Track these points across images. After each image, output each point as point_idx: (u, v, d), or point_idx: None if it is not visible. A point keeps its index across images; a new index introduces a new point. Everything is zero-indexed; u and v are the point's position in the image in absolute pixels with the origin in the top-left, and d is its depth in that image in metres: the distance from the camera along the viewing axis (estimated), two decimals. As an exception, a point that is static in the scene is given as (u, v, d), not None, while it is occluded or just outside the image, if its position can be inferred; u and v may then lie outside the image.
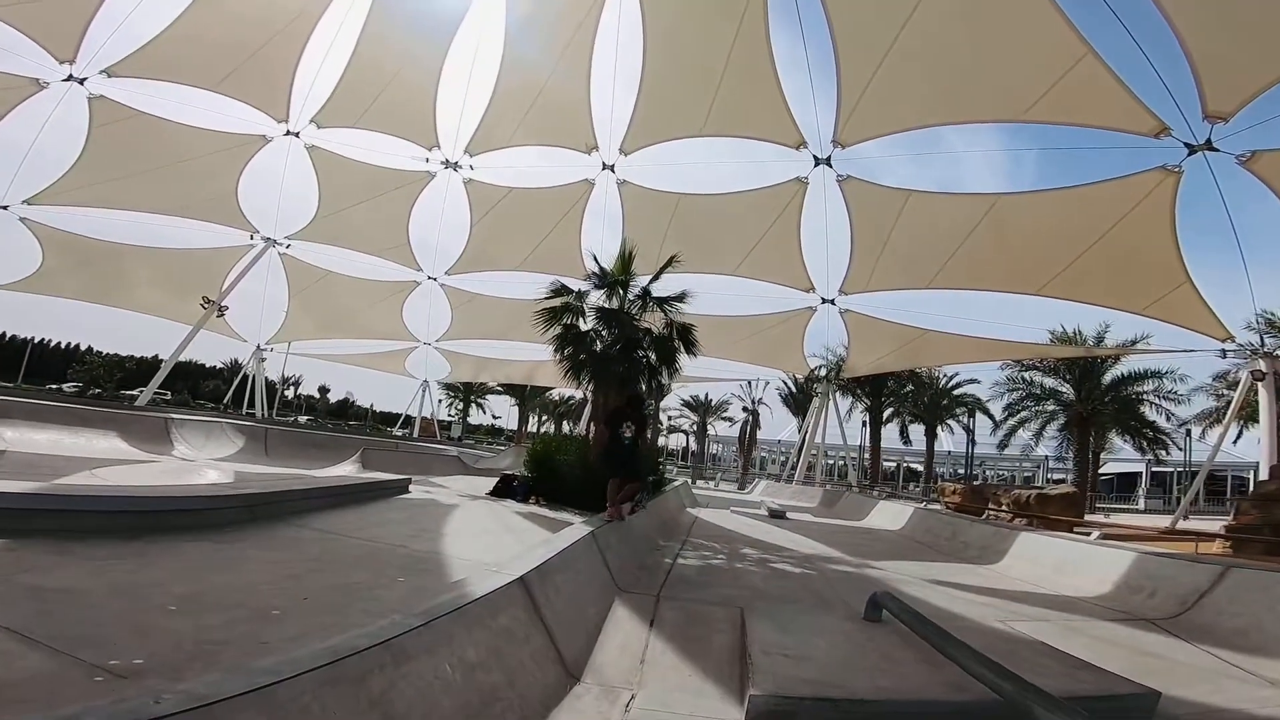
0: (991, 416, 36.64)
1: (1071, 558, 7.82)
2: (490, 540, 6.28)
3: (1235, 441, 28.71)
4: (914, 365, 33.28)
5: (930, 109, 16.57)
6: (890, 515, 14.46)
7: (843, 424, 33.53)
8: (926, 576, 7.23)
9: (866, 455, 38.42)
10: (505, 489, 10.53)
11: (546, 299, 11.39)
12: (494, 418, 66.18)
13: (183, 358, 27.97)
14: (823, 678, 3.19)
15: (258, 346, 33.44)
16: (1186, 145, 13.65)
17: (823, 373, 30.03)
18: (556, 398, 58.64)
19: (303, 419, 44.60)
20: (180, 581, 3.43)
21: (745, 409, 44.24)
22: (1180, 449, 33.17)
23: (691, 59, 17.92)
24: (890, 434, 40.57)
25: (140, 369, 41.58)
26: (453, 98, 20.78)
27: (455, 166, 22.38)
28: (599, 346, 10.97)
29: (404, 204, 24.33)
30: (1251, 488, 25.90)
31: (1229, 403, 23.40)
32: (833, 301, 22.98)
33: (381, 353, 35.97)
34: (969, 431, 36.99)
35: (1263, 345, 18.01)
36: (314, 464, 14.11)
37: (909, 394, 39.16)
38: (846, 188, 19.20)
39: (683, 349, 11.10)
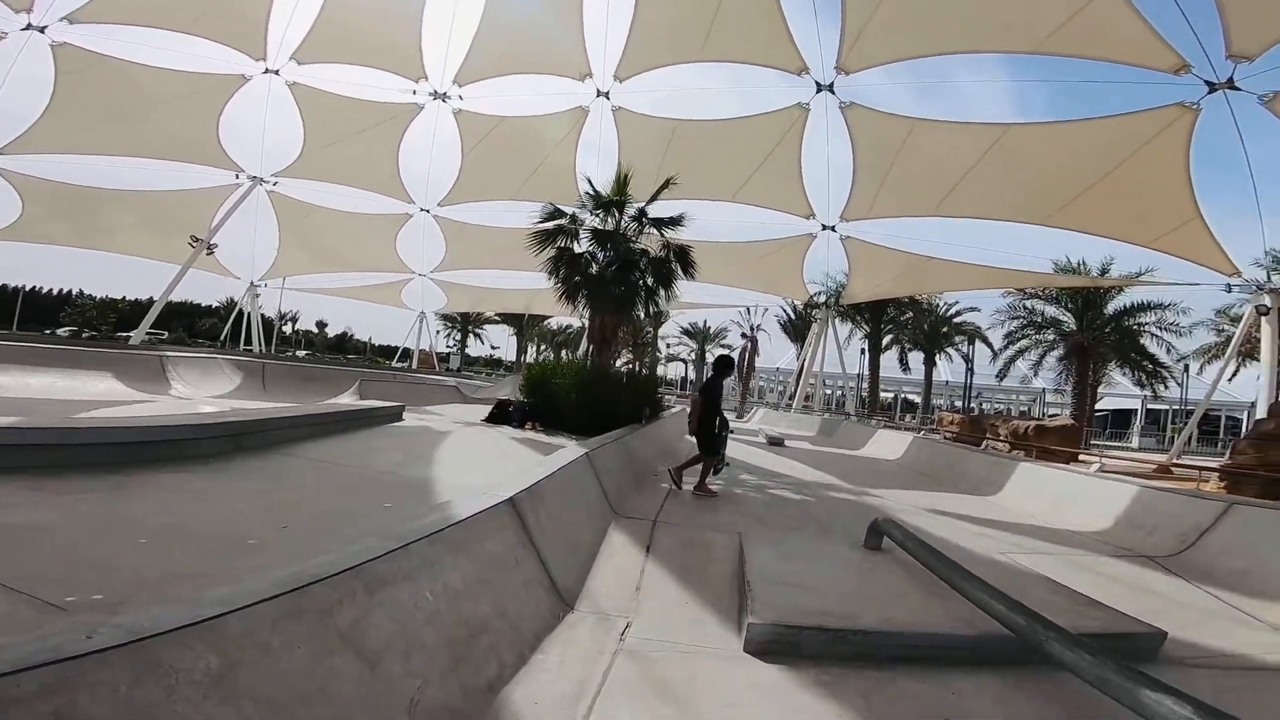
0: (990, 345, 36.45)
1: (1071, 491, 7.62)
2: (484, 465, 6.18)
3: (1230, 379, 28.66)
4: (915, 292, 32.85)
5: (939, 38, 15.98)
6: (888, 444, 14.51)
7: (841, 351, 33.51)
8: (925, 506, 7.19)
9: (865, 384, 38.53)
10: (501, 415, 10.45)
11: (540, 222, 11.06)
12: (492, 348, 66.27)
13: (178, 297, 28.09)
14: (826, 607, 3.10)
15: (251, 283, 33.25)
16: (1207, 83, 13.44)
17: (822, 299, 29.75)
18: (555, 327, 58.46)
19: (301, 354, 44.51)
20: (155, 515, 3.26)
21: (744, 335, 44.08)
22: (1178, 384, 33.23)
23: None
24: (889, 363, 40.55)
25: (135, 310, 41.03)
26: (439, 27, 20.02)
27: (444, 97, 21.80)
28: (594, 269, 10.69)
29: (393, 137, 23.85)
30: (1246, 427, 26.00)
31: (1229, 338, 23.27)
32: (833, 228, 22.63)
33: (377, 285, 35.79)
34: (968, 360, 36.88)
35: (1269, 281, 17.68)
36: (312, 397, 13.99)
37: (909, 321, 38.84)
38: (850, 115, 18.72)
39: (680, 271, 10.84)
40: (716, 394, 6.78)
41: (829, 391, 41.29)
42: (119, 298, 47.63)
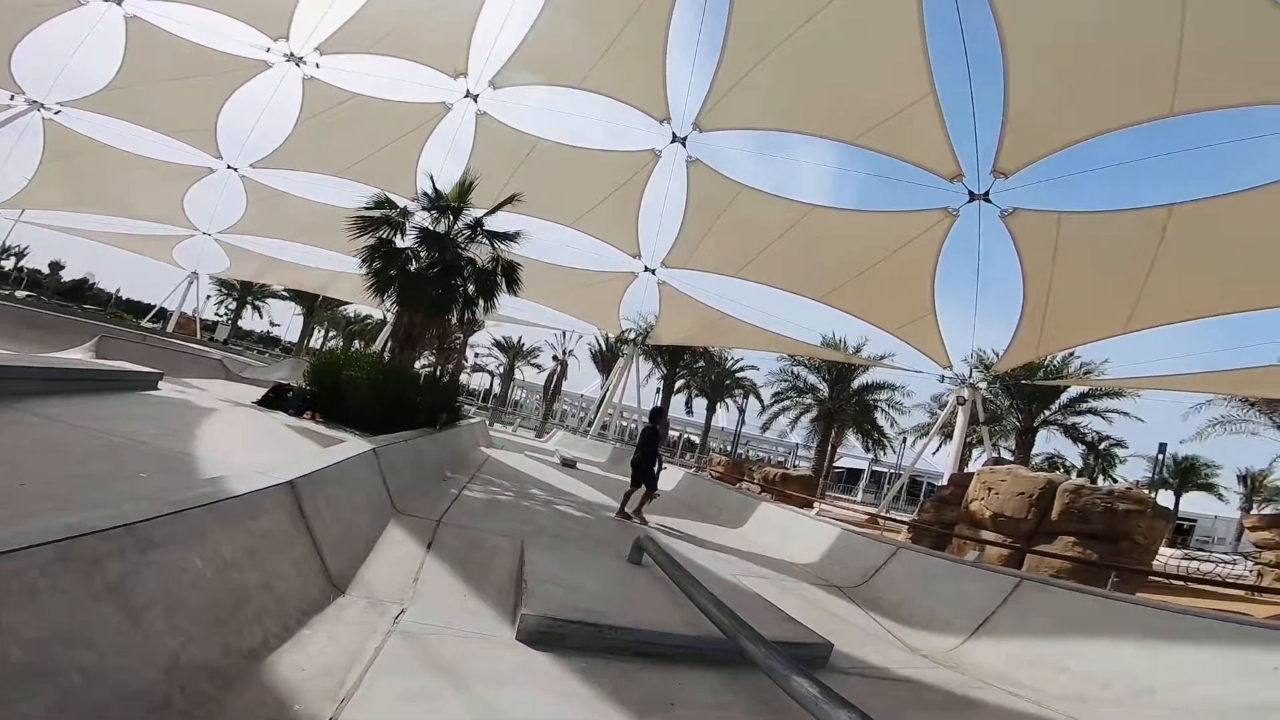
0: (761, 400, 41.56)
1: (794, 529, 8.85)
2: (255, 447, 5.78)
3: (934, 453, 35.47)
4: (710, 343, 36.21)
5: (787, 115, 17.65)
6: (665, 477, 15.49)
7: (640, 387, 35.50)
8: (684, 531, 8.06)
9: (656, 420, 41.02)
10: (276, 400, 9.60)
11: (366, 208, 10.56)
12: (272, 324, 59.29)
13: None
14: (589, 606, 3.53)
15: (-18, 209, 26.86)
16: (970, 192, 15.85)
17: (631, 335, 31.39)
18: (351, 314, 54.11)
19: (20, 294, 36.13)
20: None
21: (555, 358, 44.68)
22: (895, 452, 40.34)
23: (594, 11, 17.39)
24: (678, 404, 43.97)
25: None
26: None
27: (299, 61, 19.94)
28: (414, 267, 10.44)
29: (223, 89, 21.38)
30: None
31: (936, 419, 28.97)
32: (654, 271, 24.14)
33: (146, 235, 30.81)
34: (741, 411, 41.47)
35: (970, 376, 22.43)
36: (30, 346, 11.56)
37: (700, 369, 42.58)
38: (692, 169, 20.10)
39: (505, 286, 10.99)
40: (654, 438, 8.63)
41: (625, 423, 43.35)
42: None
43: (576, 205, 22.46)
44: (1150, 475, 28.88)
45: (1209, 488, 41.26)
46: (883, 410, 36.65)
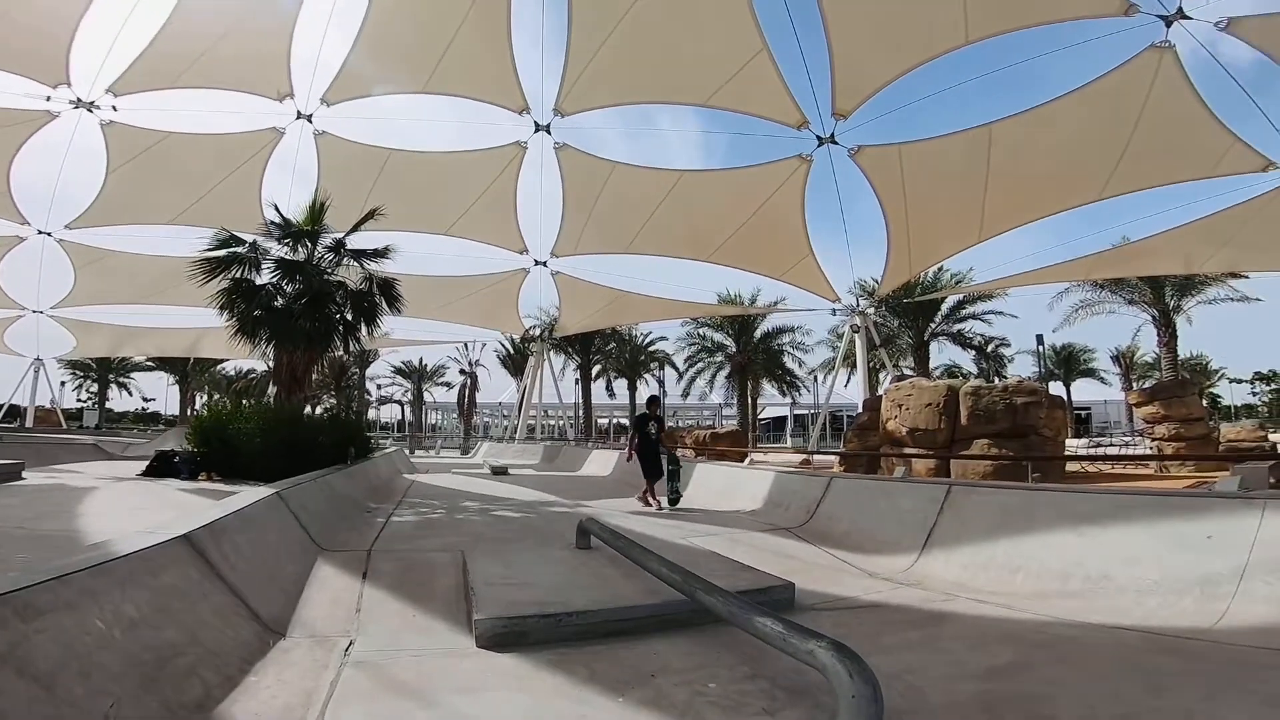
0: (677, 368, 42.30)
1: (732, 482, 9.03)
2: (148, 516, 5.24)
3: (845, 386, 37.35)
4: (616, 323, 36.34)
5: (642, 87, 17.84)
6: (601, 463, 15.65)
7: (557, 382, 35.14)
8: (627, 509, 8.08)
9: (581, 411, 40.86)
10: (164, 467, 8.84)
11: (209, 250, 9.68)
12: (145, 400, 54.04)
13: None
14: (544, 598, 3.42)
15: None
16: (818, 137, 16.96)
17: (537, 332, 30.93)
18: (233, 371, 50.15)
19: None
20: None
21: (463, 371, 43.24)
22: (809, 391, 42.26)
23: (425, 11, 16.44)
24: (599, 390, 43.95)
25: None
26: (103, 26, 16.06)
27: (91, 107, 17.56)
28: (280, 302, 9.72)
29: (5, 148, 18.68)
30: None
31: (839, 352, 30.54)
32: (545, 263, 23.79)
33: (-35, 327, 27.06)
34: (660, 383, 42.03)
35: (858, 305, 23.72)
36: None
37: (613, 351, 42.66)
38: (562, 155, 19.81)
39: (385, 305, 10.43)
40: (643, 426, 9.08)
41: (551, 421, 42.83)
42: None
43: (448, 211, 21.70)
44: (1037, 369, 31.58)
45: (1091, 373, 46.00)
46: (788, 353, 38.28)
